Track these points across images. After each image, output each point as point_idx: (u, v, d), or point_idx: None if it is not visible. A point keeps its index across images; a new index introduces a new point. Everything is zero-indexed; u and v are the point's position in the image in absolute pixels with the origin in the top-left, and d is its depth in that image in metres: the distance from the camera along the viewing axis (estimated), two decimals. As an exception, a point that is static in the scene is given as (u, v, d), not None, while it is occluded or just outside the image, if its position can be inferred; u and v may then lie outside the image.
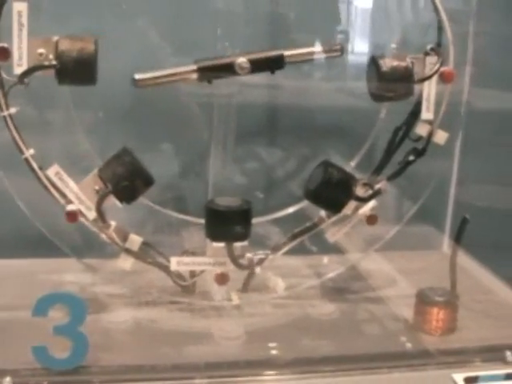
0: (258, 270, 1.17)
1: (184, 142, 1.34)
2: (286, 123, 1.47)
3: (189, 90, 1.33)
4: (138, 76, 1.09)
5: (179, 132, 1.37)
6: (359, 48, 1.51)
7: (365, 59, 1.18)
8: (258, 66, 1.11)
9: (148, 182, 1.10)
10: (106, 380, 0.99)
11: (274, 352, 1.08)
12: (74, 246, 1.16)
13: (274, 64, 1.12)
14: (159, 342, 1.09)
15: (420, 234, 1.44)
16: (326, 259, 1.35)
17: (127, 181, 1.07)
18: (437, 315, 1.13)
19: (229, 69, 1.10)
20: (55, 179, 1.07)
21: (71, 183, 1.08)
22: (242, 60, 1.09)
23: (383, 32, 1.47)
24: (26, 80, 1.02)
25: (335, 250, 1.28)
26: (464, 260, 1.25)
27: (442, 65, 1.13)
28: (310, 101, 1.46)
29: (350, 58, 1.53)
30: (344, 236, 1.22)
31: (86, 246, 1.18)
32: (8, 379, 0.96)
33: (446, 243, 1.49)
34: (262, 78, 1.33)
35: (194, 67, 1.10)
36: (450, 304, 1.15)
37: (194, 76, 1.11)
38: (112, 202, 1.09)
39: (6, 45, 1.00)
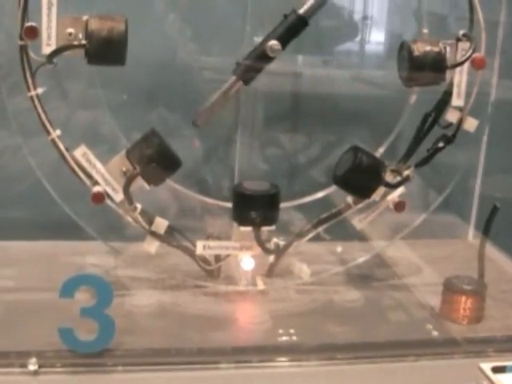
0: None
1: (210, 127, 1.32)
2: (311, 110, 1.46)
3: (215, 76, 1.32)
4: (195, 118, 1.10)
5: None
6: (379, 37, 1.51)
7: (385, 48, 1.17)
8: (286, 39, 1.09)
9: (176, 164, 1.09)
10: (130, 363, 0.98)
11: (297, 338, 1.07)
12: (98, 229, 1.14)
13: (298, 27, 1.09)
14: (184, 326, 1.08)
15: (445, 223, 1.43)
16: (350, 246, 1.33)
17: (156, 163, 1.06)
18: (464, 304, 1.12)
19: (263, 57, 1.09)
20: (82, 160, 1.06)
21: (98, 164, 1.07)
22: (272, 43, 1.08)
23: (405, 20, 1.46)
24: (54, 60, 1.01)
25: (359, 236, 1.26)
26: (490, 250, 1.23)
27: (474, 51, 1.10)
28: (335, 89, 1.45)
29: (374, 46, 1.53)
30: (369, 223, 1.21)
31: (109, 229, 1.16)
32: (33, 360, 0.95)
33: (471, 232, 1.48)
34: (286, 65, 1.33)
35: (235, 78, 1.11)
36: (478, 293, 1.14)
37: (240, 84, 1.11)
38: (138, 184, 1.08)
39: (34, 24, 0.99)
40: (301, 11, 1.09)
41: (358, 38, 1.54)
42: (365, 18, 1.53)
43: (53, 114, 1.05)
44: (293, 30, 1.09)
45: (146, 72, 1.32)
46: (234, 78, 1.11)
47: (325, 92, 1.45)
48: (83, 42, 1.00)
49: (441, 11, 1.42)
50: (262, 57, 1.09)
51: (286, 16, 1.09)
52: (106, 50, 1.00)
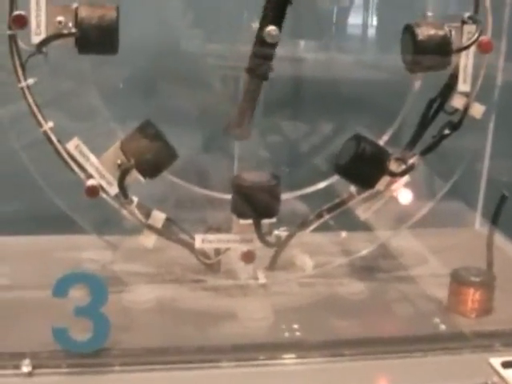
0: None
1: (209, 115, 1.29)
2: (312, 96, 1.43)
3: (214, 63, 1.29)
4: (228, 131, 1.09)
5: (204, 105, 1.33)
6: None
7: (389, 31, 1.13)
8: (280, 17, 1.05)
9: (172, 156, 1.06)
10: (127, 363, 0.95)
11: (301, 334, 1.04)
12: (94, 223, 1.12)
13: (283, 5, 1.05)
14: (183, 323, 1.05)
15: (451, 211, 1.40)
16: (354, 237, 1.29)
17: (151, 155, 1.03)
18: (472, 296, 1.09)
19: (266, 45, 1.05)
20: (75, 153, 1.04)
21: (92, 157, 1.04)
22: (269, 29, 1.04)
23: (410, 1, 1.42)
24: (44, 49, 0.98)
25: (364, 227, 1.23)
26: (497, 238, 1.19)
27: (480, 34, 1.07)
28: (337, 74, 1.41)
29: (378, 30, 1.50)
30: (374, 213, 1.18)
31: (106, 223, 1.15)
32: (27, 362, 0.92)
33: (479, 220, 1.45)
34: (286, 50, 1.29)
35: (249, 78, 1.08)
36: (487, 284, 1.10)
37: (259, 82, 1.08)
38: (134, 176, 1.05)
39: (23, 12, 0.96)
40: None
41: (361, 21, 1.51)
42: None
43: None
44: (280, 9, 1.05)
45: (143, 59, 1.28)
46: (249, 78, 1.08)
47: (327, 77, 1.42)
48: (73, 30, 0.96)
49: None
50: (264, 46, 1.05)
51: None
52: (97, 39, 0.97)
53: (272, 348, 1.00)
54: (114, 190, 1.05)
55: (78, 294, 0.93)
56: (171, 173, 1.15)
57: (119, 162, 1.04)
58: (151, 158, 1.03)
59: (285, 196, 1.17)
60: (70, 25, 0.97)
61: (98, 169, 1.04)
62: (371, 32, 1.55)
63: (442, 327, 1.07)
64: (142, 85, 1.33)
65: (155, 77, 1.34)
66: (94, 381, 0.93)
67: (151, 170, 1.05)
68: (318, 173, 1.32)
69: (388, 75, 1.45)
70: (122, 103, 1.25)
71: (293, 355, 1.00)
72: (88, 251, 1.19)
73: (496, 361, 0.99)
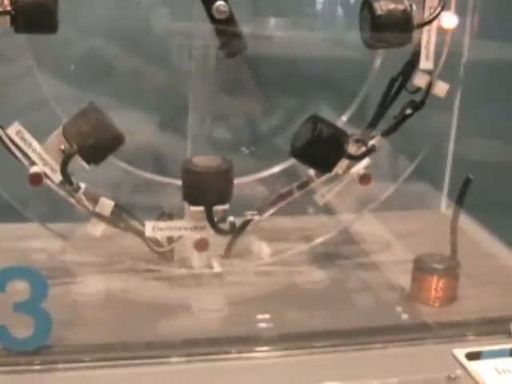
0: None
1: (160, 95, 1.24)
2: (270, 74, 1.37)
3: (165, 39, 1.24)
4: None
5: (155, 84, 1.28)
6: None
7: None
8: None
9: (117, 140, 1.01)
10: (71, 360, 0.91)
11: (258, 326, 1.01)
12: (41, 211, 1.09)
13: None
14: (132, 316, 1.01)
15: (416, 193, 1.36)
16: (315, 221, 1.25)
17: (93, 139, 0.98)
18: (436, 284, 1.06)
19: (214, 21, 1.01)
20: (16, 138, 0.99)
21: (34, 143, 1.00)
22: (217, 4, 0.99)
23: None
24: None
25: (325, 210, 1.20)
26: (463, 221, 1.16)
27: (442, 9, 1.02)
28: (296, 51, 1.37)
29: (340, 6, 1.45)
30: (335, 196, 1.14)
31: (54, 210, 1.10)
32: (-36, 361, 0.88)
33: (444, 202, 1.42)
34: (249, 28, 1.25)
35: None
36: (451, 272, 1.07)
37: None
38: (78, 162, 1.00)
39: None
40: None
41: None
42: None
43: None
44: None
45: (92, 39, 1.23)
46: None
47: (288, 55, 1.37)
48: (8, 8, 0.90)
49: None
50: (215, 22, 1.01)
51: None
52: (35, 17, 0.91)
53: (224, 343, 0.96)
54: (58, 177, 1.00)
55: (19, 289, 0.88)
56: (121, 157, 1.11)
57: (63, 147, 0.99)
58: (94, 142, 0.98)
59: (241, 179, 1.14)
60: (6, 2, 0.91)
61: (41, 155, 0.99)
62: (335, 9, 1.50)
63: (405, 317, 1.04)
64: (96, 65, 1.27)
65: (109, 57, 1.28)
66: (37, 380, 0.89)
67: (95, 155, 1.00)
68: (280, 154, 1.26)
69: (351, 53, 1.40)
70: (72, 85, 1.20)
71: (246, 350, 0.96)
72: (35, 240, 1.15)
73: (460, 352, 0.96)
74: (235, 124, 1.39)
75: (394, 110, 1.12)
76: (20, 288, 0.88)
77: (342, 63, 1.36)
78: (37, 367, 0.90)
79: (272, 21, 1.39)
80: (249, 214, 1.12)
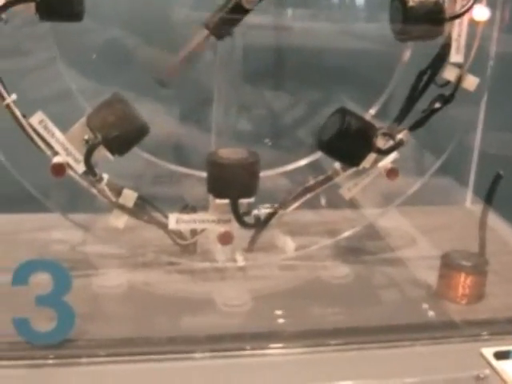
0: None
1: (185, 87, 1.22)
2: (295, 66, 1.36)
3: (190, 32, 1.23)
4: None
5: (180, 76, 1.26)
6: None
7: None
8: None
9: (142, 131, 1.00)
10: (93, 354, 0.90)
11: (281, 322, 1.00)
12: (63, 201, 1.08)
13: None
14: (154, 310, 1.00)
15: (441, 188, 1.34)
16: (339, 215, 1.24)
17: (118, 130, 0.97)
18: (464, 281, 1.04)
19: (239, 10, 1.00)
20: (39, 128, 0.97)
21: (57, 132, 0.98)
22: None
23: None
24: (3, 16, 0.91)
25: (350, 205, 1.19)
26: (490, 218, 1.14)
27: (475, 1, 1.00)
28: (324, 43, 1.35)
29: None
30: (360, 191, 1.12)
31: (77, 201, 1.09)
32: (-15, 354, 0.87)
33: (470, 198, 1.40)
34: (267, 18, 1.23)
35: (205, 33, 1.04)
36: (479, 269, 1.06)
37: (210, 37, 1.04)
38: (102, 153, 0.98)
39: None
40: None
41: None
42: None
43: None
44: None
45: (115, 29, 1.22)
46: (204, 32, 1.03)
47: (313, 47, 1.35)
48: (34, -5, 0.89)
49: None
50: (237, 9, 1.00)
51: None
52: (60, 5, 0.90)
53: (249, 338, 0.95)
54: (81, 167, 0.99)
55: (42, 281, 0.87)
56: (144, 149, 1.10)
57: (86, 137, 0.98)
58: (119, 133, 0.97)
59: (266, 173, 1.12)
60: (31, -11, 0.90)
61: (64, 145, 0.98)
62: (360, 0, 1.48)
63: (431, 314, 1.03)
64: (117, 55, 1.26)
65: (131, 46, 1.26)
66: (58, 374, 0.88)
67: (120, 146, 0.98)
68: (303, 147, 1.25)
69: (377, 45, 1.39)
70: (93, 74, 1.19)
71: (273, 345, 0.95)
72: (57, 231, 1.15)
73: (488, 351, 0.94)
74: (259, 116, 1.38)
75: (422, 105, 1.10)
76: (42, 281, 0.87)
77: (366, 55, 1.34)
78: (59, 361, 0.89)
79: (295, 12, 1.38)
80: (272, 208, 1.10)
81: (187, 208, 1.06)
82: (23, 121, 0.97)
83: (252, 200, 1.03)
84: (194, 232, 1.08)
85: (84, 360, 0.89)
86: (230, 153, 1.03)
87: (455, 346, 0.97)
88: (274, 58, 1.36)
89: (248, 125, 1.35)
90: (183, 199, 1.14)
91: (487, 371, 0.90)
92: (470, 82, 1.07)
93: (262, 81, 1.33)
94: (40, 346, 0.88)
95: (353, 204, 1.19)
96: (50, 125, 0.97)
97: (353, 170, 1.09)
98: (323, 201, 1.20)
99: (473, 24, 1.05)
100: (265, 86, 1.35)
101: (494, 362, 0.92)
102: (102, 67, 1.22)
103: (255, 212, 1.07)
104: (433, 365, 0.93)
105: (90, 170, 0.99)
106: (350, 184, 1.12)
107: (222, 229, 1.04)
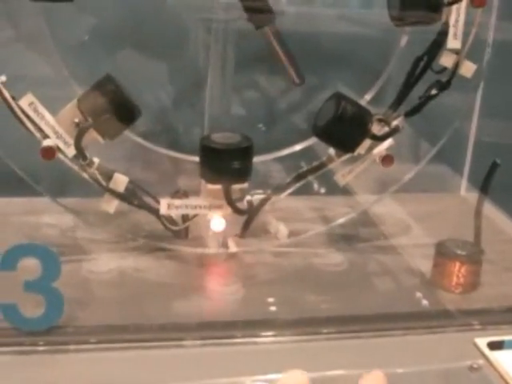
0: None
1: (178, 69, 1.21)
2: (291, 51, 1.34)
3: (184, 14, 1.21)
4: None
5: (173, 58, 1.25)
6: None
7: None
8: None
9: (134, 114, 0.99)
10: (82, 341, 0.88)
11: (273, 310, 0.99)
12: (53, 185, 1.05)
13: None
14: (145, 297, 0.99)
15: (435, 175, 1.33)
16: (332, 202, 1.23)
17: (110, 113, 0.96)
18: (458, 270, 1.03)
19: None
20: (29, 110, 0.96)
21: (47, 115, 0.97)
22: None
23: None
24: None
25: (345, 191, 1.17)
26: (485, 206, 1.12)
27: (473, -14, 0.99)
28: (319, 28, 1.33)
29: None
30: (354, 177, 1.11)
31: (67, 185, 1.08)
32: (-28, 340, 0.85)
33: (464, 185, 1.39)
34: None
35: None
36: (474, 258, 1.05)
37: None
38: (93, 136, 0.98)
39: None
40: None
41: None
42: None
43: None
44: None
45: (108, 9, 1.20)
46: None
47: (308, 32, 1.34)
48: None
49: None
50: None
51: None
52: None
53: (240, 326, 0.94)
54: (71, 151, 0.98)
55: (30, 266, 0.86)
56: (136, 132, 1.09)
57: (77, 120, 0.97)
58: (110, 116, 0.95)
59: (259, 158, 1.12)
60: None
61: (55, 128, 0.97)
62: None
63: (425, 303, 1.02)
64: (109, 38, 1.24)
65: (124, 29, 1.25)
66: (47, 360, 0.86)
67: (110, 129, 0.98)
68: (297, 132, 1.24)
69: (373, 31, 1.37)
70: (85, 57, 1.17)
71: (264, 333, 0.94)
72: (47, 216, 1.14)
73: (482, 341, 0.93)
74: (253, 100, 1.36)
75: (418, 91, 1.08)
76: (31, 265, 0.85)
77: (362, 41, 1.33)
78: (47, 348, 0.87)
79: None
80: (265, 194, 1.09)
81: (179, 193, 1.05)
82: (12, 103, 0.95)
83: (245, 186, 1.02)
84: (185, 217, 1.07)
85: (73, 347, 0.88)
86: (224, 137, 1.02)
87: (449, 335, 0.96)
88: (268, 42, 1.35)
89: (242, 109, 1.33)
90: (174, 184, 1.13)
91: (481, 361, 0.89)
92: (468, 69, 1.06)
93: (257, 65, 1.32)
94: (28, 332, 0.87)
95: (347, 190, 1.18)
96: (41, 107, 0.96)
97: (347, 156, 1.08)
98: (317, 187, 1.19)
99: (471, 11, 1.04)
100: (259, 70, 1.33)
101: (488, 352, 0.91)
102: (94, 49, 1.21)
103: (248, 198, 1.06)
104: (426, 354, 0.92)
105: (81, 153, 0.97)
106: (344, 170, 1.11)
107: (214, 214, 1.03)
